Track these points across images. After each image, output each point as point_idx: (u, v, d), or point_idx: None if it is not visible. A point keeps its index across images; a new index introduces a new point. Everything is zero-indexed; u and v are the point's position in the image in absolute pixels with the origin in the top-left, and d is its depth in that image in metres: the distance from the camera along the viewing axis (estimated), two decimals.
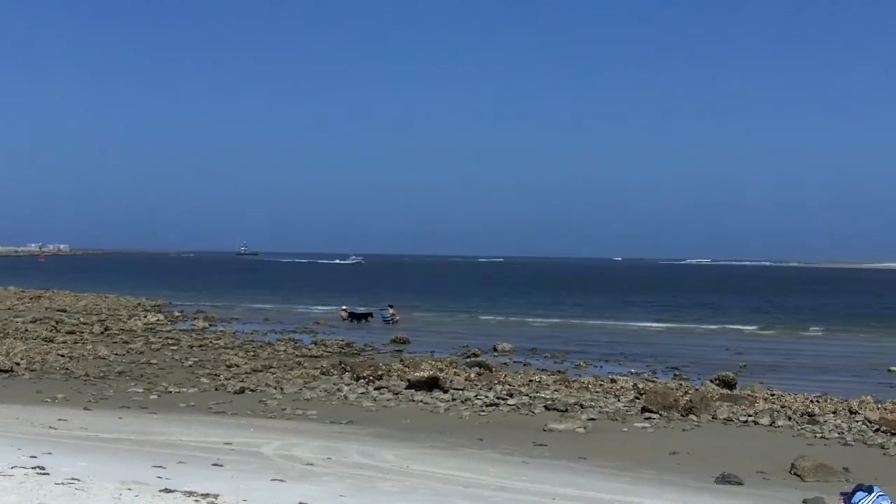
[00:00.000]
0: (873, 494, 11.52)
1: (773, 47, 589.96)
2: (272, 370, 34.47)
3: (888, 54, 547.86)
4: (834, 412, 27.17)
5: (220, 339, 46.67)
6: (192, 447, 19.19)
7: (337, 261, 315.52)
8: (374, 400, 28.02)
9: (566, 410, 26.48)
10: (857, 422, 25.59)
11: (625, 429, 24.37)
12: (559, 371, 37.65)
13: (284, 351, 41.86)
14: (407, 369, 32.60)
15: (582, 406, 27.39)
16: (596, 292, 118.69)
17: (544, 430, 23.62)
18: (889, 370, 41.14)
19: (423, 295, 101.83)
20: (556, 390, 30.60)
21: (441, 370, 32.68)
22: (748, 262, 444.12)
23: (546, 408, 26.97)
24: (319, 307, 76.83)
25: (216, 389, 29.66)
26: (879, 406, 27.51)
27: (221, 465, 16.97)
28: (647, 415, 26.07)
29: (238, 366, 35.28)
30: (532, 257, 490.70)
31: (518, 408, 27.12)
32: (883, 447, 22.55)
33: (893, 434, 23.81)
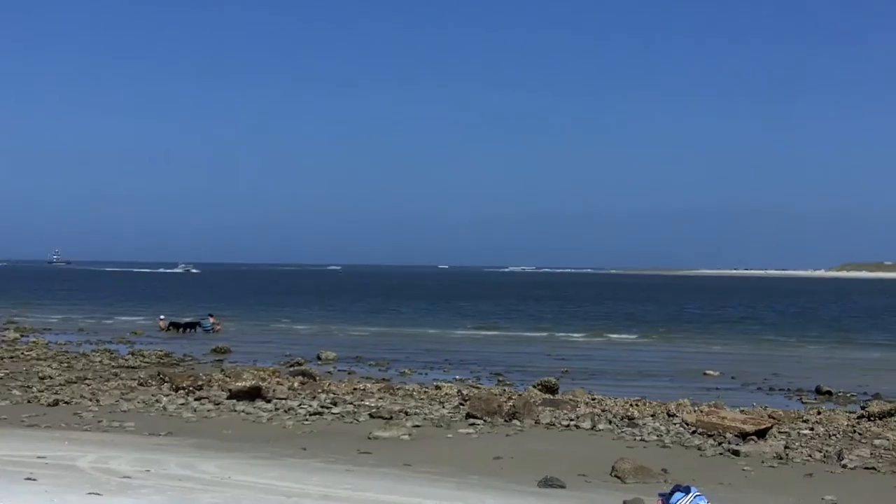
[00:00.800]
0: (690, 494, 11.74)
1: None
2: (87, 381, 33.28)
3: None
4: (653, 415, 27.76)
5: (32, 350, 44.86)
6: (3, 461, 18.31)
7: (161, 270, 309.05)
8: (195, 411, 27.30)
9: (391, 418, 26.33)
10: (674, 424, 26.19)
11: (449, 435, 24.35)
12: (384, 379, 37.53)
13: (100, 362, 40.49)
14: (228, 379, 31.94)
15: (407, 413, 27.28)
16: (423, 300, 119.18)
17: (369, 438, 23.40)
18: (705, 374, 42.41)
19: (248, 303, 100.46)
20: (380, 398, 30.42)
21: (263, 379, 32.15)
22: (570, 270, 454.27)
23: (371, 416, 26.75)
24: (136, 317, 74.85)
25: (28, 402, 28.43)
26: (696, 409, 28.24)
27: (35, 480, 16.24)
28: (472, 421, 26.13)
29: (52, 377, 33.94)
30: (369, 265, 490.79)
31: (342, 416, 26.82)
32: (700, 448, 23.10)
33: (710, 436, 24.44)
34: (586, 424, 25.92)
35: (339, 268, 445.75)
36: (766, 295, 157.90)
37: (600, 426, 25.84)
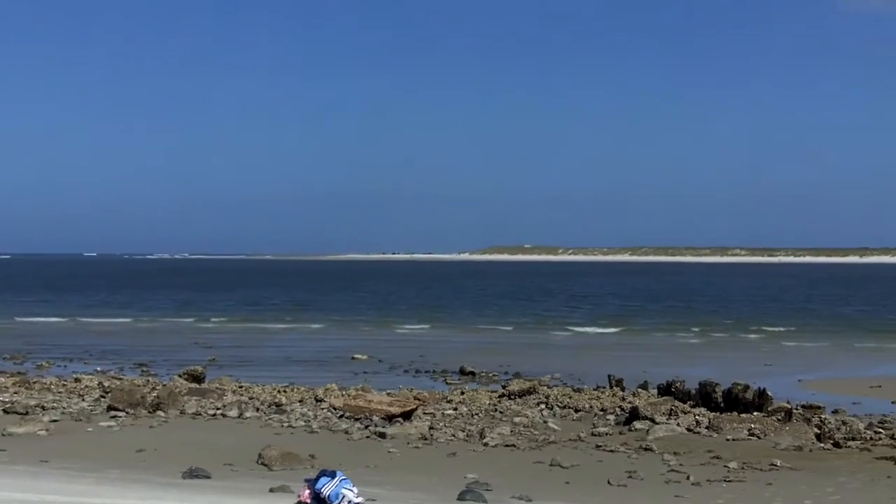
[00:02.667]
0: (336, 479, 11.67)
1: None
2: None
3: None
4: (301, 401, 27.72)
5: None
6: None
7: None
8: None
9: (26, 413, 24.91)
10: (322, 409, 26.26)
11: (90, 429, 23.31)
12: (19, 372, 35.48)
13: None
14: None
15: (44, 408, 25.88)
16: (65, 290, 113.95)
17: (3, 435, 22.03)
18: (353, 358, 42.92)
19: None
20: (15, 392, 28.71)
21: None
22: (226, 256, 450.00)
23: (5, 411, 25.20)
24: None
25: None
26: (344, 393, 28.44)
27: None
28: (113, 413, 25.14)
29: None
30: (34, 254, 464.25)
31: None
32: (347, 432, 23.28)
33: (357, 419, 24.68)
34: (233, 413, 25.55)
35: (9, 257, 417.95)
36: (413, 279, 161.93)
37: (248, 414, 25.54)
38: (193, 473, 17.94)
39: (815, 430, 23.67)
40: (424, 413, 25.81)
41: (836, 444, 22.59)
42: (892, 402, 30.17)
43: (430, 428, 23.71)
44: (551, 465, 20.05)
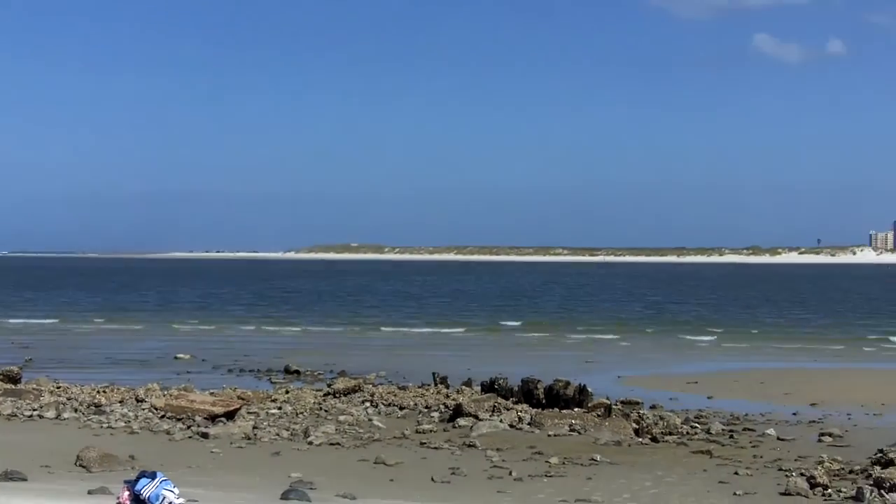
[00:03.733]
0: (156, 480, 11.46)
1: None
2: None
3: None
4: (121, 401, 27.05)
5: None
6: None
7: None
8: None
9: None
10: (143, 409, 25.69)
11: None
12: None
13: None
14: None
15: None
16: None
17: None
18: (176, 358, 42.13)
19: None
20: None
21: None
22: (43, 254, 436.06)
23: None
24: None
25: None
26: (166, 393, 27.88)
27: None
28: None
29: None
30: None
31: None
32: (168, 433, 22.85)
33: (179, 419, 24.24)
34: (50, 414, 24.81)
35: None
36: (237, 278, 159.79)
37: (66, 415, 24.83)
38: (9, 476, 17.32)
39: (634, 425, 24.37)
40: (248, 412, 25.52)
41: (654, 439, 23.29)
42: (708, 398, 31.21)
43: (254, 427, 23.46)
44: (376, 462, 20.09)
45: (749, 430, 24.92)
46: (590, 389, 27.19)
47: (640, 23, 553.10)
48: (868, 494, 17.02)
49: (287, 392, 29.59)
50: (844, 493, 17.56)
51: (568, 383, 27.44)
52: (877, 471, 18.45)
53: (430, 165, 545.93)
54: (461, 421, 24.69)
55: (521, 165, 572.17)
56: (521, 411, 25.62)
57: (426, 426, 24.40)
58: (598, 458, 20.71)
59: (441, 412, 26.46)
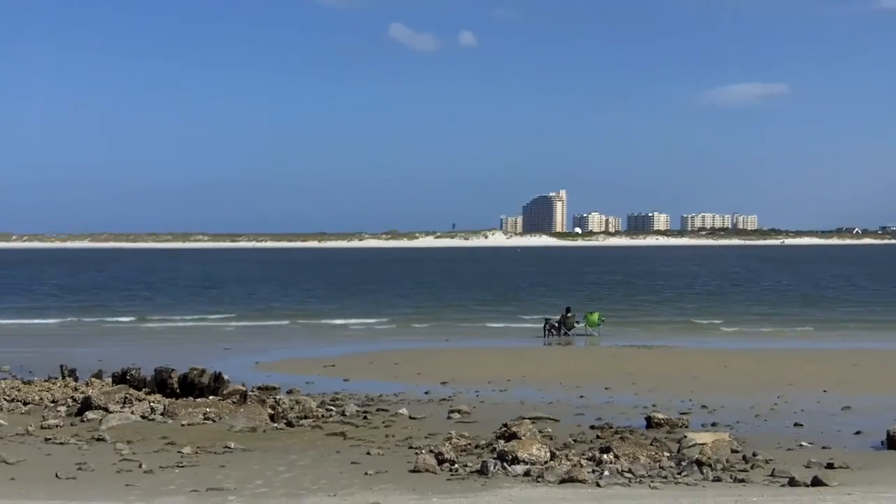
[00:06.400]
0: None
1: None
2: None
3: None
4: None
5: None
6: None
7: None
8: None
9: None
10: None
11: None
12: None
13: None
14: None
15: None
16: None
17: None
18: None
19: None
20: None
21: None
22: None
23: None
24: None
25: None
26: None
27: None
28: None
29: None
30: None
31: None
32: None
33: None
34: None
35: None
36: None
37: None
38: None
39: (270, 410, 24.27)
40: None
41: (290, 424, 23.30)
42: (345, 380, 31.60)
43: None
44: None
45: (383, 410, 25.44)
46: (226, 377, 26.83)
47: (285, 9, 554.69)
48: (492, 467, 17.74)
49: None
50: (470, 467, 18.21)
51: (203, 371, 26.96)
52: (501, 444, 19.28)
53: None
54: (90, 414, 23.68)
55: (159, 153, 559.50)
56: (153, 402, 24.90)
57: (52, 421, 23.21)
58: (233, 446, 20.46)
59: (69, 406, 25.28)
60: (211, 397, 25.25)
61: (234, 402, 24.48)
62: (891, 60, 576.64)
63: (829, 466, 18.34)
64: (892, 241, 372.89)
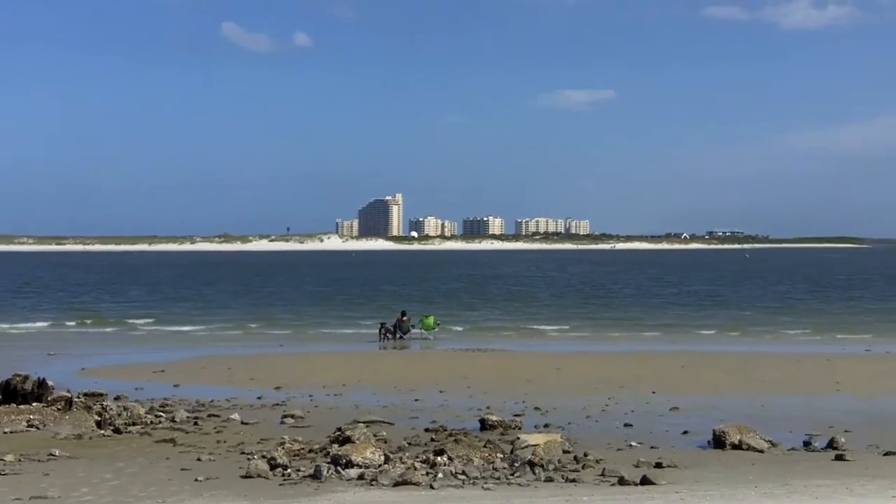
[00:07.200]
0: None
1: None
2: None
3: None
4: None
5: None
6: None
7: None
8: None
9: None
10: None
11: None
12: None
13: None
14: None
15: None
16: None
17: None
18: None
19: None
20: None
21: None
22: None
23: None
24: None
25: None
26: None
27: None
28: None
29: None
30: None
31: None
32: None
33: None
34: None
35: None
36: None
37: None
38: None
39: (97, 417, 23.61)
40: None
41: (117, 430, 22.73)
42: (175, 386, 30.96)
43: None
44: None
45: (214, 415, 25.00)
46: (50, 383, 25.93)
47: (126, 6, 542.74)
48: (325, 472, 17.57)
49: None
50: (303, 471, 18.00)
51: (27, 377, 25.97)
52: (334, 448, 19.14)
53: None
54: None
55: None
56: None
57: None
58: (58, 453, 19.80)
59: None
60: (35, 404, 24.40)
61: (58, 409, 23.72)
62: (713, 66, 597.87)
63: (658, 465, 18.77)
64: (719, 246, 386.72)
